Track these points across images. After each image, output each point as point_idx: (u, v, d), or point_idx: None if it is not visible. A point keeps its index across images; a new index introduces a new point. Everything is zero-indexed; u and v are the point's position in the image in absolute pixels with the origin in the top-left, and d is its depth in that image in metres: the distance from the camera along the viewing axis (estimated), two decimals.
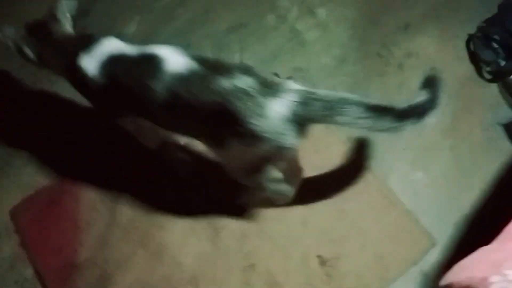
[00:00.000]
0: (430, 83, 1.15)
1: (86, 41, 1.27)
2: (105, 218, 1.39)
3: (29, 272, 1.32)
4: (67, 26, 1.39)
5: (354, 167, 1.52)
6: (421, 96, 1.11)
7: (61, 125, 1.62)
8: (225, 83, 1.10)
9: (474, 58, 1.74)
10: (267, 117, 1.08)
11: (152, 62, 1.17)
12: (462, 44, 1.78)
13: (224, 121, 1.12)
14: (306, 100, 1.10)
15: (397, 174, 1.54)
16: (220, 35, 1.85)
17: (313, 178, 1.46)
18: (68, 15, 1.42)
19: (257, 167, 1.21)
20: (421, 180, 1.52)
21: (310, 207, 1.42)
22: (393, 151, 1.57)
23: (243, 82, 1.10)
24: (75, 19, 1.81)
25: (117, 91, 1.22)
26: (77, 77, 1.25)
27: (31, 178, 1.48)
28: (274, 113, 1.08)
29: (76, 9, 1.83)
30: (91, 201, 1.42)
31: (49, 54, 1.34)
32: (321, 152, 1.52)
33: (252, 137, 1.10)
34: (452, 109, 1.63)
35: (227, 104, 1.09)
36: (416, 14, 1.87)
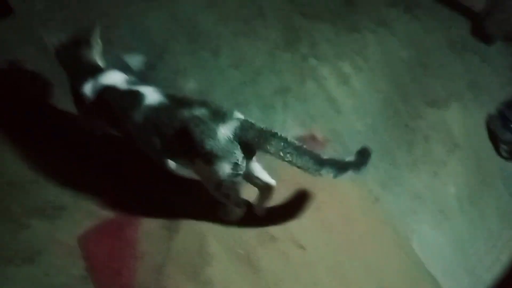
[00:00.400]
0: (364, 152, 1.48)
1: (95, 71, 1.63)
2: (160, 250, 1.59)
3: None
4: (94, 52, 1.71)
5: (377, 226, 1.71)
6: (350, 157, 1.44)
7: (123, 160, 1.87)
8: (186, 112, 1.45)
9: (493, 137, 1.94)
10: (218, 139, 1.42)
11: (135, 97, 1.53)
12: (482, 123, 2.00)
13: (189, 143, 1.44)
14: (245, 127, 1.44)
15: (419, 235, 1.71)
16: (266, 96, 2.11)
17: (339, 229, 1.65)
18: (99, 42, 1.74)
19: (220, 183, 1.50)
20: (441, 243, 1.69)
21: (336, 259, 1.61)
22: (416, 214, 1.76)
23: (199, 111, 1.45)
24: (143, 72, 2.13)
25: (103, 112, 1.61)
26: (78, 94, 1.63)
27: (97, 209, 1.70)
28: (222, 135, 1.42)
29: (144, 62, 2.17)
30: (149, 233, 1.63)
31: (70, 68, 1.69)
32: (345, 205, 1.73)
33: (209, 155, 1.42)
34: (471, 182, 1.82)
35: (188, 129, 1.43)
36: (443, 93, 2.11)
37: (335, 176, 1.40)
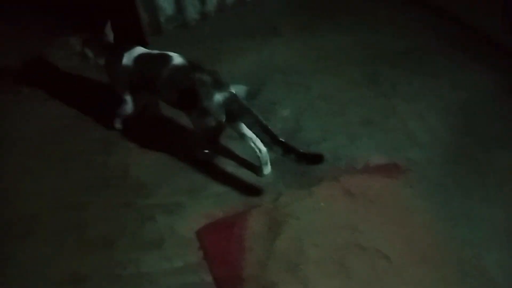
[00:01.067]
0: (318, 157, 1.94)
1: (127, 47, 2.17)
2: (265, 247, 1.83)
3: (209, 278, 1.77)
4: (110, 38, 2.23)
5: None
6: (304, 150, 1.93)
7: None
8: (196, 75, 1.99)
9: None
10: (213, 101, 1.95)
11: (165, 58, 2.07)
12: None
13: (192, 97, 1.96)
14: (232, 99, 1.97)
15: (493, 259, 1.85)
16: (352, 126, 2.37)
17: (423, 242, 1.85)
18: (111, 32, 2.24)
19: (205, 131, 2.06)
20: None
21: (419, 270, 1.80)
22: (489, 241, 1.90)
23: (206, 77, 1.99)
24: (246, 100, 2.46)
25: (139, 74, 2.12)
26: (116, 67, 2.14)
27: (210, 208, 2.00)
28: (216, 99, 1.95)
29: (247, 92, 2.50)
30: (255, 233, 1.89)
31: (101, 53, 2.21)
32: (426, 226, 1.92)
33: (203, 110, 1.97)
34: None
35: (195, 87, 1.96)
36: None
37: (281, 155, 1.94)
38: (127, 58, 2.13)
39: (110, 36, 2.23)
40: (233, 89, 2.00)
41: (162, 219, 1.98)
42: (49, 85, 2.57)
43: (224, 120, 1.98)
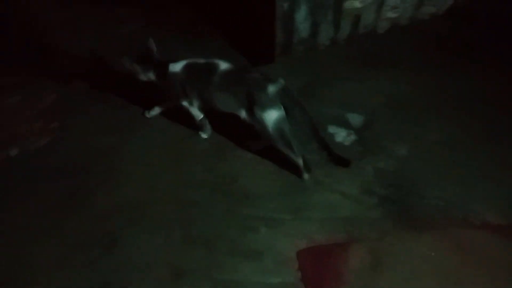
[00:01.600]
0: (345, 161, 2.15)
1: (172, 60, 2.28)
2: (363, 283, 1.79)
3: None
4: (155, 52, 2.32)
5: None
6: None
7: None
8: (246, 75, 2.09)
9: None
10: (267, 93, 2.02)
11: (212, 65, 2.16)
12: None
13: (250, 97, 2.03)
14: (283, 91, 2.03)
15: None
16: (469, 178, 2.20)
17: None
18: (154, 47, 2.33)
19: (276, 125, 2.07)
20: None
21: None
22: None
23: (255, 74, 2.08)
24: (359, 131, 2.44)
25: (187, 81, 2.21)
26: (166, 77, 2.25)
27: (310, 232, 1.99)
28: (271, 91, 2.01)
29: (362, 122, 2.48)
30: (354, 268, 1.84)
31: (148, 67, 2.29)
32: None
33: (264, 103, 2.02)
34: None
35: (249, 87, 2.04)
36: None
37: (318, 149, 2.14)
38: (173, 67, 2.25)
39: (154, 50, 2.32)
40: (283, 81, 2.09)
41: (264, 232, 2.01)
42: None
43: (283, 111, 2.07)
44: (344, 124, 2.47)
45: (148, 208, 2.13)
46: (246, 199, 2.15)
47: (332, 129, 2.45)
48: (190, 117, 2.37)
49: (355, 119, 2.50)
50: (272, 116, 2.04)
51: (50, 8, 3.31)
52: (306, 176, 2.21)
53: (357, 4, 2.56)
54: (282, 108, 2.04)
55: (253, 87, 2.05)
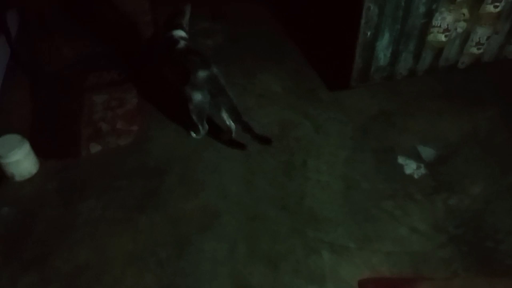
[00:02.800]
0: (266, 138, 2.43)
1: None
2: None
3: None
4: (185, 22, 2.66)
5: None
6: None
7: None
8: (188, 56, 2.42)
9: None
10: (197, 76, 2.32)
11: (174, 41, 2.51)
12: None
13: (187, 76, 2.34)
14: (211, 78, 2.34)
15: None
16: None
17: None
18: (187, 15, 2.67)
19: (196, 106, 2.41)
20: None
21: None
22: None
23: (195, 58, 2.40)
24: (431, 165, 2.39)
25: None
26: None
27: (379, 264, 1.98)
28: (201, 75, 2.32)
29: (434, 156, 2.43)
30: None
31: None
32: None
33: (194, 84, 2.34)
34: None
35: (188, 67, 2.36)
36: None
37: (242, 131, 2.42)
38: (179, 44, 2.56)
39: (185, 17, 2.66)
40: (216, 69, 2.39)
41: (328, 257, 2.01)
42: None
43: (208, 96, 2.36)
44: (415, 156, 2.43)
45: (217, 217, 2.20)
46: (313, 220, 2.17)
47: (402, 160, 2.43)
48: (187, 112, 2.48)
49: (428, 152, 2.46)
50: (196, 97, 2.37)
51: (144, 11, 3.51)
52: (193, 134, 2.55)
53: (442, 37, 2.53)
54: (206, 93, 2.36)
55: (190, 68, 2.36)
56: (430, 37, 2.52)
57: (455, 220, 2.13)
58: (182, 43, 2.51)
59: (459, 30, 2.55)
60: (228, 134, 2.53)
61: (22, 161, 2.33)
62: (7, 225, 2.19)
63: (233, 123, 2.48)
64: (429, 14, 2.42)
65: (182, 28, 2.61)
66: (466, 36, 2.59)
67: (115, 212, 2.24)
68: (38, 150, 2.43)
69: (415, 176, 2.35)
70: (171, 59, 2.51)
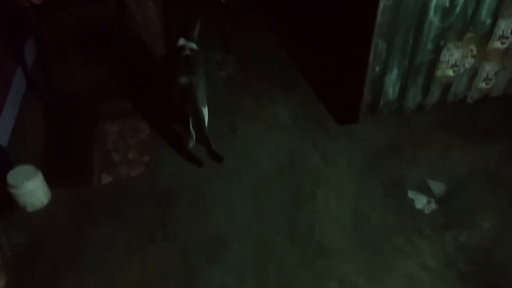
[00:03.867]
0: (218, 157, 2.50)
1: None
2: None
3: None
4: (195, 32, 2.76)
5: None
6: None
7: None
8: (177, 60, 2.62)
9: None
10: (180, 81, 2.47)
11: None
12: None
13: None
14: (188, 85, 2.47)
15: None
16: None
17: None
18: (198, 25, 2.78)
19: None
20: None
21: None
22: None
23: (181, 62, 2.59)
24: (441, 200, 2.38)
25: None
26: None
27: None
28: (181, 80, 2.48)
29: (443, 191, 2.43)
30: None
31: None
32: None
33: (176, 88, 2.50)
34: None
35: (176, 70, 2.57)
36: None
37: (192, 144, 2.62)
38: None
39: (195, 27, 2.75)
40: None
41: None
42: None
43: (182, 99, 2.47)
44: (426, 190, 2.43)
45: (226, 246, 2.21)
46: (321, 253, 2.17)
47: (412, 194, 2.42)
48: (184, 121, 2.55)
49: (438, 186, 2.45)
50: (175, 97, 2.54)
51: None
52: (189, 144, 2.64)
53: (450, 73, 2.56)
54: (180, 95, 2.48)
55: (177, 72, 2.52)
56: (438, 73, 2.55)
57: (466, 257, 2.11)
58: (187, 52, 2.63)
59: (467, 65, 2.59)
60: (188, 141, 2.62)
61: (35, 191, 2.36)
62: (20, 254, 2.21)
63: (193, 133, 2.57)
64: (437, 50, 2.47)
65: (194, 41, 2.72)
66: (474, 72, 2.62)
67: (125, 240, 2.25)
68: (50, 178, 2.46)
69: (426, 211, 2.34)
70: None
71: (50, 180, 2.46)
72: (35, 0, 2.20)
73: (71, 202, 2.44)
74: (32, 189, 2.35)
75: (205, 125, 2.52)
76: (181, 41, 2.69)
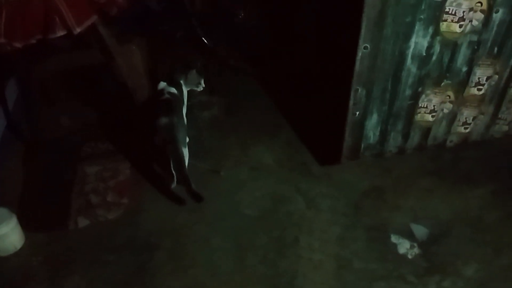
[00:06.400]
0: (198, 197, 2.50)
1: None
2: None
3: None
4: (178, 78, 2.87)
5: None
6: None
7: None
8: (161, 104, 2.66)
9: None
10: (160, 121, 2.52)
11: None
12: None
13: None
14: (169, 125, 2.52)
15: None
16: None
17: None
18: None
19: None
20: None
21: None
22: None
23: (164, 102, 2.66)
24: (424, 244, 2.37)
25: None
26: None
27: None
28: (162, 121, 2.53)
29: (426, 235, 2.41)
30: None
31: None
32: None
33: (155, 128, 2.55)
34: None
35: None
36: None
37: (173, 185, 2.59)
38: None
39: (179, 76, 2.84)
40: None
41: None
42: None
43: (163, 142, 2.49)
44: (409, 235, 2.41)
45: None
46: None
47: (395, 238, 2.40)
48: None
49: (421, 231, 2.44)
50: (156, 141, 2.55)
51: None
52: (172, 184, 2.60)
53: (429, 118, 2.61)
54: (161, 136, 2.51)
55: (157, 113, 2.56)
56: (418, 117, 2.60)
57: None
58: (166, 95, 2.68)
59: (446, 111, 2.64)
60: (169, 183, 2.60)
61: (8, 235, 2.29)
62: None
63: (174, 173, 2.55)
64: (416, 96, 2.52)
65: (177, 85, 2.79)
66: (452, 117, 2.67)
67: None
68: (25, 222, 2.40)
69: (409, 256, 2.31)
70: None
71: (25, 224, 2.40)
72: (16, 44, 2.19)
73: (45, 248, 2.37)
74: (5, 233, 2.27)
75: (185, 165, 2.51)
76: (161, 85, 2.75)
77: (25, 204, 2.57)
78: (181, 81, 2.84)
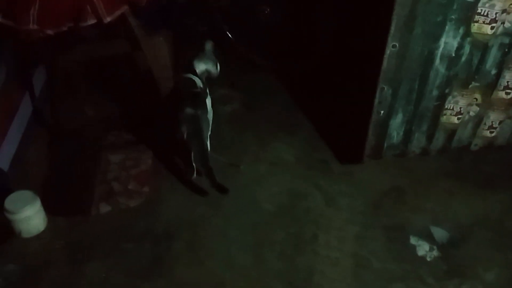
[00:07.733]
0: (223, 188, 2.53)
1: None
2: None
3: None
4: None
5: None
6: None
7: None
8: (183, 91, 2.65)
9: None
10: (184, 111, 2.48)
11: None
12: None
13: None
14: (194, 118, 2.49)
15: None
16: None
17: None
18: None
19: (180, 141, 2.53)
20: None
21: None
22: None
23: (186, 95, 2.60)
24: (444, 247, 2.34)
25: None
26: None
27: None
28: (187, 111, 2.48)
29: (447, 239, 2.38)
30: None
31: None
32: None
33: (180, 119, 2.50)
34: None
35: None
36: None
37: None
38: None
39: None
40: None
41: None
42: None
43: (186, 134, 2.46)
44: (428, 237, 2.39)
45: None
46: None
47: (414, 240, 2.38)
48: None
49: (441, 234, 2.41)
50: (182, 128, 2.49)
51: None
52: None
53: (455, 120, 2.57)
54: (185, 127, 2.47)
55: (182, 104, 2.52)
56: (443, 119, 2.57)
57: None
58: (194, 88, 2.64)
59: (472, 113, 2.60)
60: (189, 174, 2.59)
61: (32, 218, 2.32)
62: (11, 282, 2.16)
63: (196, 165, 2.55)
64: (442, 98, 2.49)
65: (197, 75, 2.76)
66: (479, 120, 2.63)
67: (118, 276, 2.19)
68: (49, 206, 2.44)
69: (428, 259, 2.29)
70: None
71: (48, 208, 2.44)
72: (48, 31, 2.23)
73: (67, 232, 2.40)
74: (30, 215, 2.31)
75: (208, 158, 2.50)
76: (187, 76, 2.71)
77: (49, 189, 2.61)
78: (199, 67, 2.78)
